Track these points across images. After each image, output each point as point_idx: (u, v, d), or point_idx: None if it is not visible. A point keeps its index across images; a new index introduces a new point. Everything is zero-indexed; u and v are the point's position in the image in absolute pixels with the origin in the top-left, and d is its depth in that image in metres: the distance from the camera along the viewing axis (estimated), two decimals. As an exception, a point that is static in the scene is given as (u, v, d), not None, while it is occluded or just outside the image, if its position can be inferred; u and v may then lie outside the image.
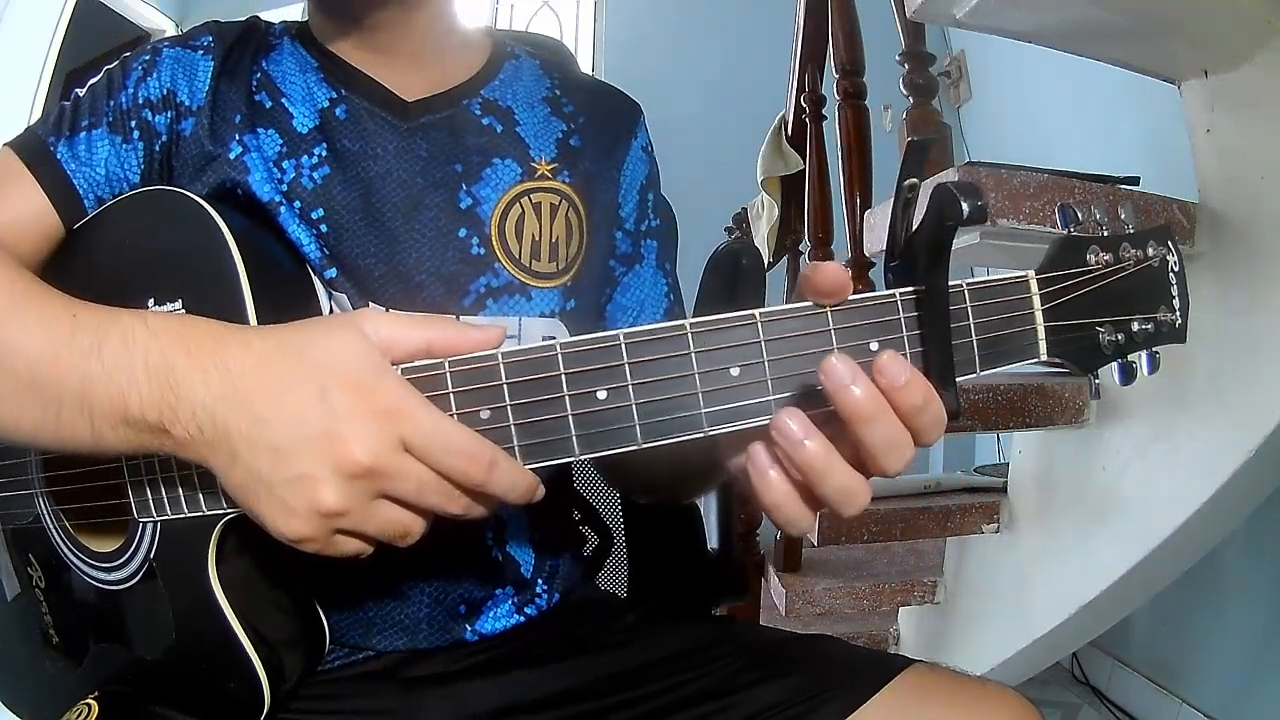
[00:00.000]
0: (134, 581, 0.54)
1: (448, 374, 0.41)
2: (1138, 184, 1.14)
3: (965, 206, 0.38)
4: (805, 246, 1.84)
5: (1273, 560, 1.52)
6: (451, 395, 0.41)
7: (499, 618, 0.65)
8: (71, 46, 2.85)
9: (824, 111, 1.87)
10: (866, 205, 1.49)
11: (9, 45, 2.62)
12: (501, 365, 0.41)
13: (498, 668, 0.63)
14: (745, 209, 2.29)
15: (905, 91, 1.48)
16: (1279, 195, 1.00)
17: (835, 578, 1.64)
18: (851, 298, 0.40)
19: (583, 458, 0.41)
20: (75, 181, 0.58)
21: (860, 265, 1.50)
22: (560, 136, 0.67)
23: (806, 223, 1.83)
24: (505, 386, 0.41)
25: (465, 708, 0.61)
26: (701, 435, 0.41)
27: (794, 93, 2.00)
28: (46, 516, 0.59)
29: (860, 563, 1.73)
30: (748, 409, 0.40)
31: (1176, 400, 1.12)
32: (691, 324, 0.40)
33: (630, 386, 0.40)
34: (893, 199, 0.41)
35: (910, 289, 0.41)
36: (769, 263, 2.09)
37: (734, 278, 0.84)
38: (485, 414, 0.41)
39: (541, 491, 0.43)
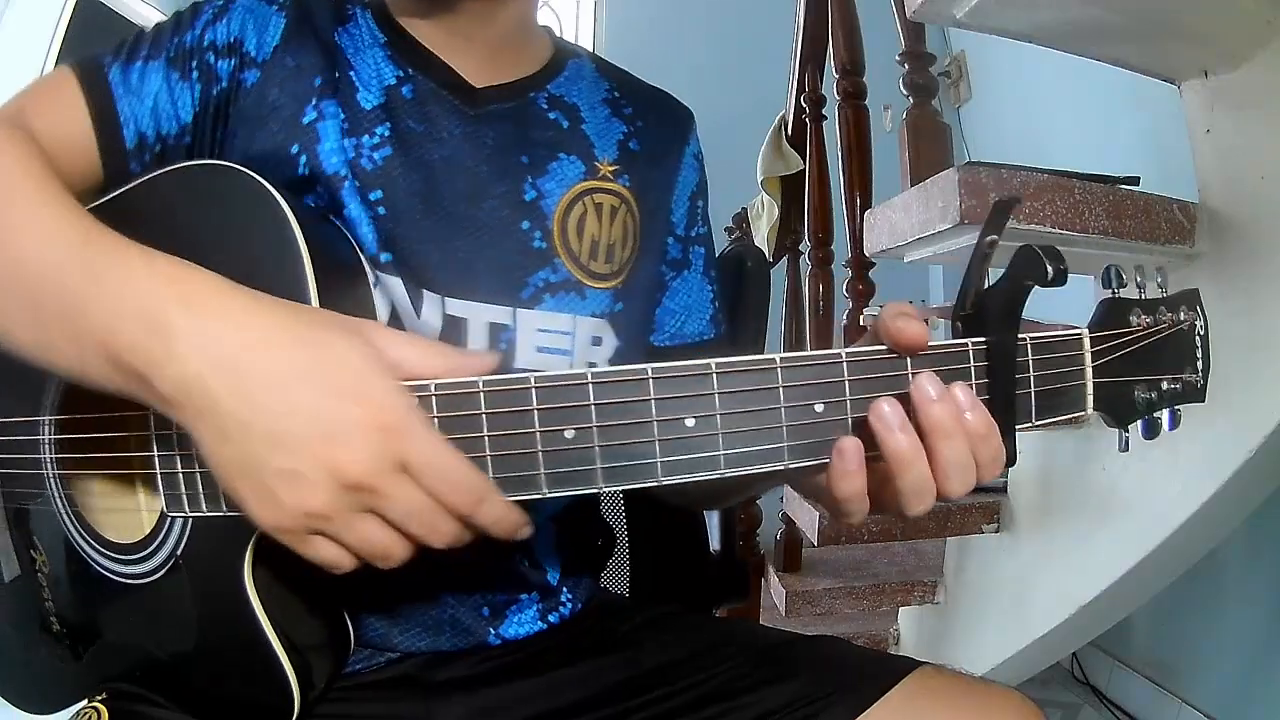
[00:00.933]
0: (156, 576, 0.52)
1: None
2: (1138, 184, 1.13)
3: (1050, 269, 0.40)
4: (805, 246, 1.84)
5: (1273, 560, 1.52)
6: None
7: (523, 623, 0.65)
8: (71, 46, 2.84)
9: (824, 111, 1.87)
10: (866, 205, 1.49)
11: (9, 45, 2.62)
12: (592, 386, 0.42)
13: (519, 673, 0.63)
14: (745, 209, 2.29)
15: (905, 91, 1.48)
16: (1279, 195, 1.00)
17: (835, 578, 1.65)
18: (931, 343, 0.42)
19: (665, 481, 0.42)
20: (119, 108, 0.57)
21: (859, 265, 1.50)
22: (621, 139, 0.67)
23: (806, 223, 1.83)
24: (594, 406, 0.42)
25: (486, 715, 0.61)
26: (782, 467, 0.42)
27: (794, 93, 2.00)
28: (57, 499, 0.56)
29: (860, 563, 1.73)
30: (826, 445, 0.42)
31: (1177, 400, 1.12)
32: (781, 359, 0.42)
33: (719, 416, 0.42)
34: (972, 251, 0.43)
35: (981, 340, 0.43)
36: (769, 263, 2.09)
37: (739, 280, 0.84)
38: (571, 433, 0.42)
39: (528, 530, 0.43)
